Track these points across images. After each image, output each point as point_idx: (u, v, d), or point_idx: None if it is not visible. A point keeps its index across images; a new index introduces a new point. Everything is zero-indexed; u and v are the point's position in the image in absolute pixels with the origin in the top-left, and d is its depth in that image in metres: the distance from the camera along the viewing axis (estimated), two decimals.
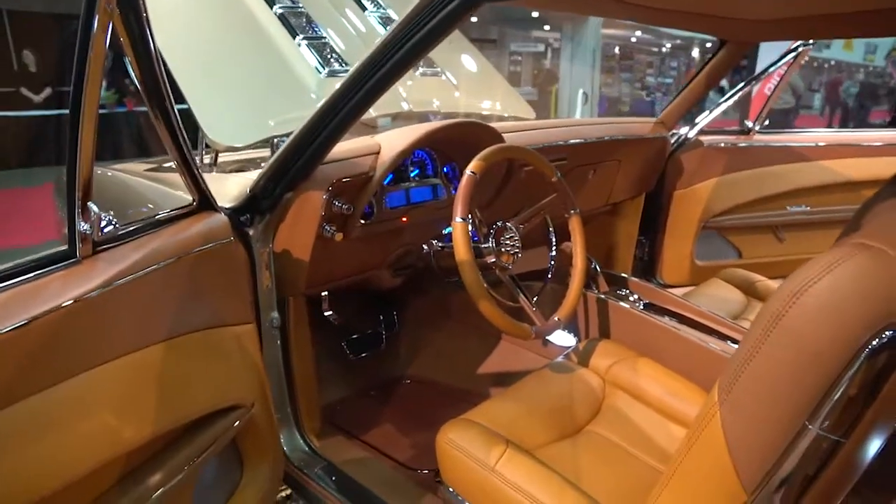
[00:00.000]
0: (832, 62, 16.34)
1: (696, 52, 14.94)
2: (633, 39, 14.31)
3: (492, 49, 12.30)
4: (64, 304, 0.89)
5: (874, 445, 1.01)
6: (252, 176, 1.47)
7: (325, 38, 2.38)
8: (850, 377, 0.82)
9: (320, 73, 2.27)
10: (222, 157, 1.99)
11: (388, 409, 2.01)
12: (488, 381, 2.09)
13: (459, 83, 2.61)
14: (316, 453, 1.64)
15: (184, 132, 1.09)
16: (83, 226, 0.94)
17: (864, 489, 0.96)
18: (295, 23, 2.37)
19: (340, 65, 2.31)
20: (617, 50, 14.07)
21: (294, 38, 2.30)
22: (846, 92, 15.80)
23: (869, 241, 0.84)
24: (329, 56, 2.35)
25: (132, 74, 1.02)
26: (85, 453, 0.92)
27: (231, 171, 1.84)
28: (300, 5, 2.40)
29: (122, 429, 0.96)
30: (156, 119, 1.04)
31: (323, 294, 1.82)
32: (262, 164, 1.55)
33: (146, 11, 0.95)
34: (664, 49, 15.60)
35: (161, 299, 1.08)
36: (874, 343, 0.80)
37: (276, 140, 1.90)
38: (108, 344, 0.97)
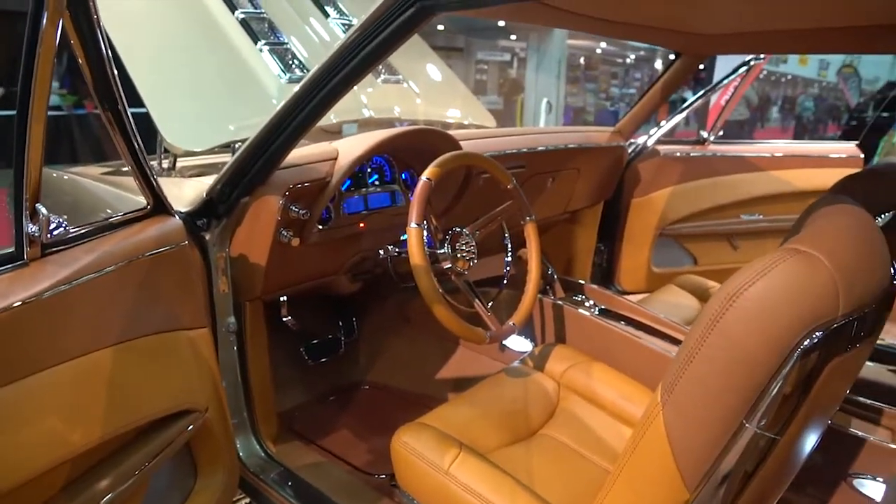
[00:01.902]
0: (788, 76, 16.79)
1: (658, 64, 15.22)
2: (599, 51, 14.51)
3: (458, 58, 12.36)
4: (10, 307, 0.88)
5: (808, 441, 1.05)
6: (210, 180, 1.47)
7: (287, 44, 2.38)
8: (784, 376, 0.85)
9: (282, 79, 2.27)
10: (183, 162, 1.98)
11: (345, 415, 2.01)
12: (446, 387, 2.10)
13: (421, 91, 2.63)
14: (272, 459, 1.64)
15: (137, 135, 1.08)
16: (31, 228, 0.93)
17: (803, 483, 0.99)
18: (257, 28, 2.37)
19: (302, 71, 2.32)
20: (582, 60, 14.25)
21: (256, 43, 2.30)
22: (801, 106, 16.26)
23: (801, 246, 0.87)
24: (291, 62, 2.35)
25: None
26: (32, 456, 0.91)
27: (191, 176, 1.83)
28: (262, 11, 2.40)
29: (70, 432, 0.95)
30: (108, 122, 1.03)
31: (281, 299, 1.82)
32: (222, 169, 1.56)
33: (97, 13, 0.95)
34: (628, 60, 15.86)
35: (113, 302, 1.07)
36: (805, 343, 0.83)
37: (236, 145, 1.90)
38: (57, 347, 0.96)
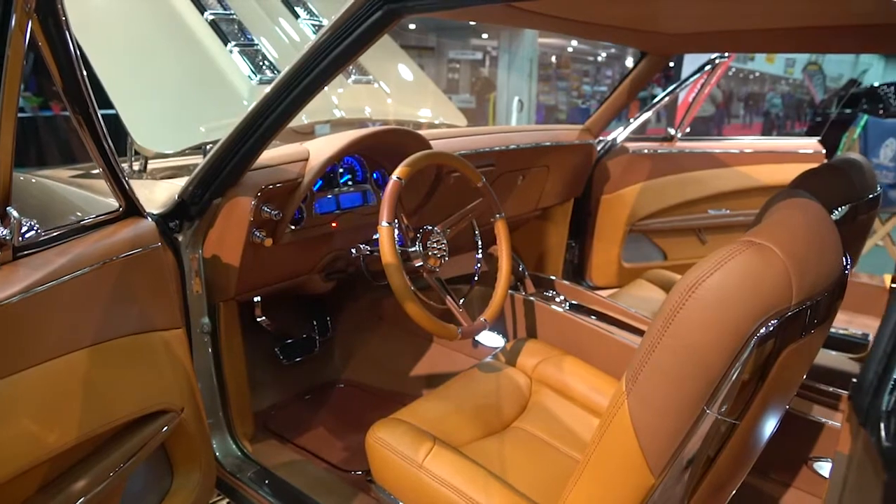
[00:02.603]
0: (756, 73, 17.09)
1: (629, 61, 15.38)
2: (570, 49, 14.62)
3: (430, 57, 12.37)
4: None
5: (768, 425, 1.09)
6: (182, 182, 1.47)
7: (257, 45, 2.38)
8: (742, 363, 0.89)
9: (252, 80, 2.28)
10: (154, 164, 1.98)
11: (321, 413, 2.03)
12: (421, 383, 2.12)
13: (391, 91, 2.65)
14: (248, 458, 1.65)
15: (108, 137, 1.09)
16: (2, 231, 0.94)
17: (767, 468, 1.03)
18: (227, 30, 2.37)
19: (273, 72, 2.32)
20: (554, 59, 14.35)
21: (226, 45, 2.29)
22: (769, 103, 16.56)
23: (756, 238, 0.91)
24: (261, 64, 2.36)
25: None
26: (7, 458, 0.91)
27: (162, 178, 1.83)
28: (232, 12, 2.40)
29: (45, 434, 0.96)
30: (78, 125, 1.04)
31: (255, 299, 1.83)
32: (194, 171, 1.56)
33: (66, 15, 0.96)
34: (599, 58, 16.00)
35: (86, 305, 1.08)
36: (761, 331, 0.87)
37: (207, 147, 1.90)
38: (31, 349, 0.96)
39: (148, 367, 1.21)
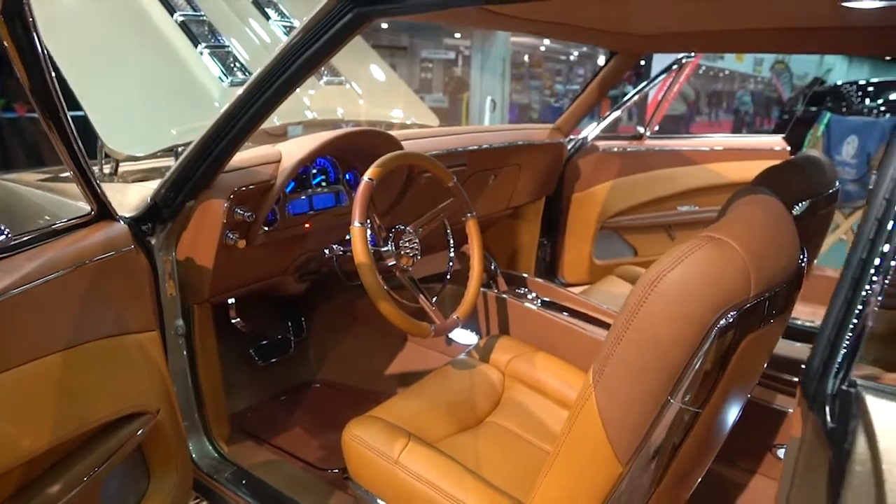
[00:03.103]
0: (726, 72, 17.34)
1: (601, 60, 15.50)
2: (542, 48, 14.69)
3: (402, 56, 12.36)
4: None
5: (730, 413, 1.13)
6: (154, 185, 1.48)
7: (227, 47, 2.38)
8: (704, 354, 0.92)
9: (224, 81, 2.28)
10: (124, 167, 1.97)
11: (297, 414, 2.04)
12: (395, 382, 2.14)
13: (363, 92, 2.66)
14: (225, 459, 1.65)
15: (79, 140, 1.09)
16: None
17: (732, 455, 1.06)
18: (197, 31, 2.37)
19: (244, 74, 2.32)
20: (526, 58, 14.41)
21: (196, 46, 2.29)
22: (739, 101, 16.81)
23: (715, 234, 0.94)
24: (232, 65, 2.36)
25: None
26: None
27: (133, 181, 1.82)
28: (202, 14, 2.40)
29: (19, 438, 0.96)
30: (48, 128, 1.04)
31: (230, 301, 1.83)
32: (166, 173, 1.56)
33: (33, 17, 0.96)
34: (571, 57, 16.09)
35: (59, 308, 1.08)
36: (721, 323, 0.91)
37: (179, 149, 1.90)
38: (3, 353, 0.97)
39: (123, 370, 1.22)
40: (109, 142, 1.79)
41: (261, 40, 2.56)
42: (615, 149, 2.85)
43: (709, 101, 15.07)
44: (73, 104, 1.58)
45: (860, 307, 0.70)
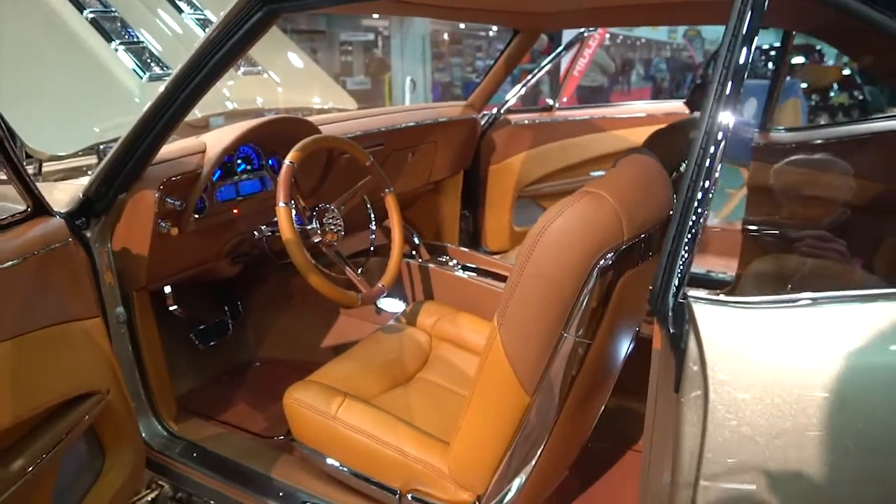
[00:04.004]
0: (642, 40, 17.82)
1: None
2: (462, 26, 14.78)
3: (322, 40, 12.26)
4: None
5: (619, 345, 1.30)
6: (82, 182, 1.54)
7: (142, 42, 2.41)
8: (589, 291, 1.09)
9: (142, 77, 2.32)
10: (46, 167, 2.01)
11: (240, 390, 2.14)
12: (331, 353, 2.26)
13: (281, 80, 2.74)
14: (175, 436, 1.75)
15: (10, 139, 1.16)
16: None
17: (633, 388, 1.23)
18: (109, 28, 2.39)
19: (161, 69, 2.37)
20: (446, 36, 14.48)
21: (109, 43, 2.32)
22: (655, 68, 17.31)
23: (592, 188, 1.11)
24: (149, 60, 2.40)
25: None
26: None
27: (56, 180, 1.87)
28: (113, 10, 2.42)
29: None
30: None
31: (166, 290, 1.91)
32: (89, 172, 1.63)
33: None
34: (491, 33, 16.22)
35: (4, 300, 1.16)
36: (601, 263, 1.07)
37: (101, 147, 1.96)
38: None
39: (71, 354, 1.30)
40: (31, 142, 1.82)
41: (174, 33, 2.60)
42: (526, 121, 3.02)
43: (623, 70, 15.47)
44: None
45: (688, 238, 0.86)
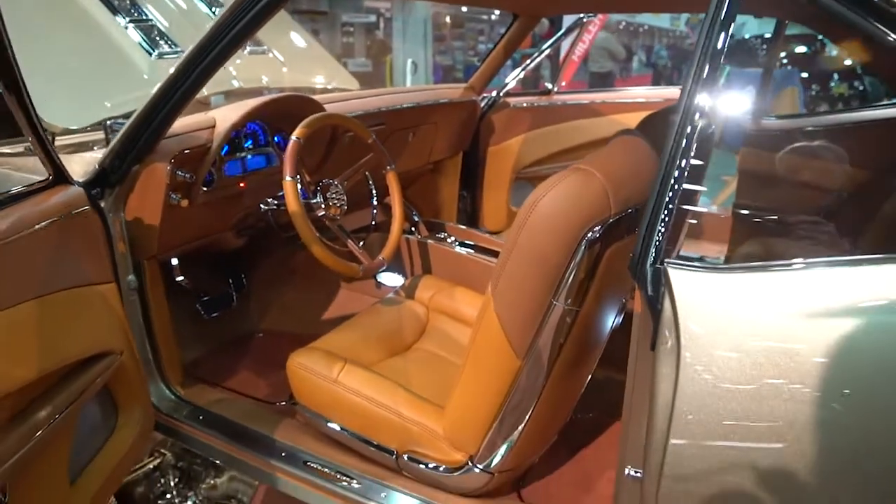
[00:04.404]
0: (645, 27, 17.81)
1: None
2: (465, 9, 14.75)
3: (323, 21, 12.25)
4: None
5: (605, 315, 1.38)
6: (95, 155, 1.61)
7: (151, 20, 2.48)
8: (577, 263, 1.17)
9: (151, 55, 2.39)
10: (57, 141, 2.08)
11: (244, 360, 2.22)
12: (332, 325, 2.33)
13: (286, 59, 2.80)
14: (182, 400, 1.82)
15: (35, 109, 1.23)
16: None
17: (618, 360, 1.30)
18: (119, 5, 2.46)
19: (170, 46, 2.43)
20: (448, 19, 14.45)
21: (119, 20, 2.39)
22: (656, 55, 17.29)
23: (582, 165, 1.18)
24: (157, 37, 2.46)
25: None
26: None
27: (65, 154, 1.94)
28: None
29: (11, 369, 1.13)
30: (8, 98, 1.18)
31: (174, 262, 1.99)
32: (95, 147, 1.69)
33: None
34: (493, 17, 16.19)
35: (30, 262, 1.24)
36: (589, 236, 1.15)
37: (109, 122, 2.03)
38: None
39: (88, 316, 1.38)
40: (46, 116, 1.89)
41: (180, 9, 2.66)
42: (525, 104, 3.09)
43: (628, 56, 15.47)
44: None
45: (665, 210, 0.94)
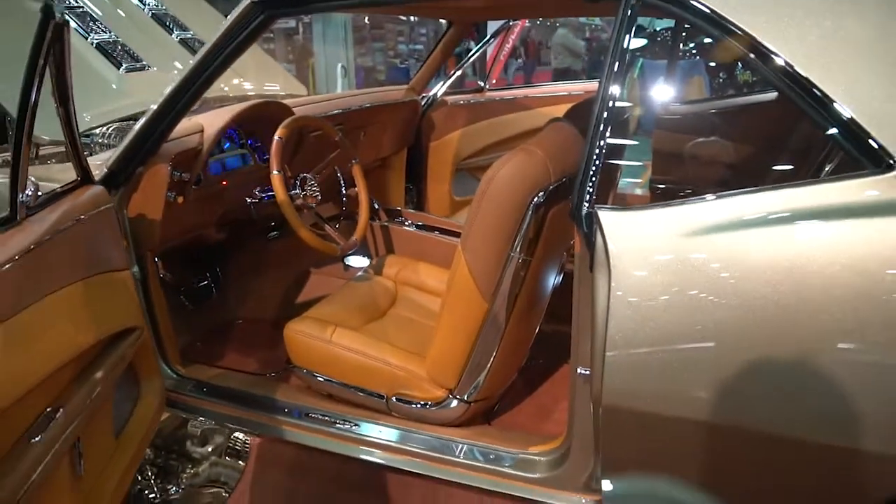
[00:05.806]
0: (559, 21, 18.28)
1: (443, 20, 15.83)
2: None
3: None
4: (26, 250, 1.26)
5: (549, 269, 1.71)
6: (96, 161, 1.82)
7: (117, 38, 2.67)
8: (528, 222, 1.48)
9: (118, 69, 2.59)
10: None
11: (230, 344, 2.45)
12: (306, 308, 2.60)
13: (239, 70, 3.03)
14: (184, 377, 2.04)
15: (76, 116, 1.45)
16: (22, 196, 1.31)
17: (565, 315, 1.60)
18: (82, 23, 2.65)
19: (136, 61, 2.64)
20: (367, 20, 14.55)
21: (86, 38, 2.58)
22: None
23: (528, 146, 1.50)
24: (122, 53, 2.66)
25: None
26: (54, 352, 1.31)
27: (52, 163, 2.13)
28: (81, 4, 2.67)
29: (75, 335, 1.36)
30: (58, 105, 1.40)
31: (155, 260, 2.20)
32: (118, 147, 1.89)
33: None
34: (413, 18, 16.33)
35: (76, 249, 1.46)
36: (535, 200, 1.47)
37: (95, 131, 2.24)
38: (51, 280, 1.35)
39: (119, 297, 1.61)
40: (36, 129, 2.08)
41: (139, 26, 2.85)
42: (461, 101, 3.40)
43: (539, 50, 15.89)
44: None
45: (593, 168, 1.27)
